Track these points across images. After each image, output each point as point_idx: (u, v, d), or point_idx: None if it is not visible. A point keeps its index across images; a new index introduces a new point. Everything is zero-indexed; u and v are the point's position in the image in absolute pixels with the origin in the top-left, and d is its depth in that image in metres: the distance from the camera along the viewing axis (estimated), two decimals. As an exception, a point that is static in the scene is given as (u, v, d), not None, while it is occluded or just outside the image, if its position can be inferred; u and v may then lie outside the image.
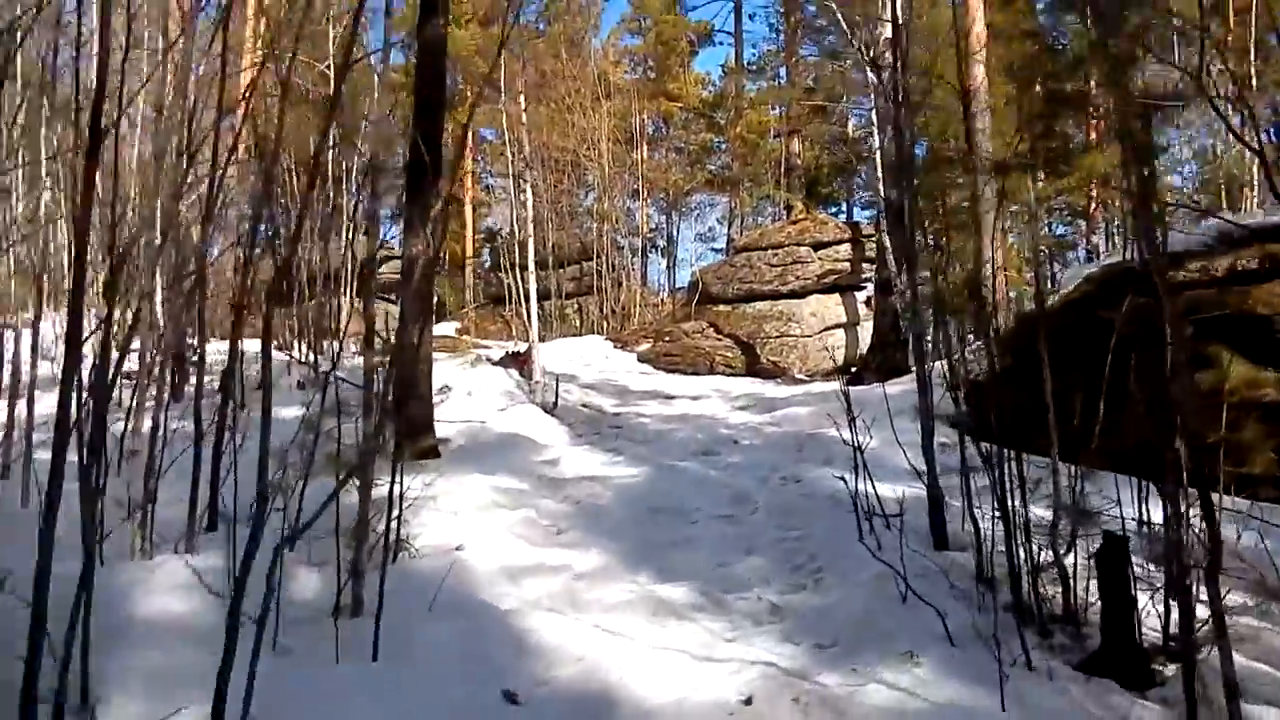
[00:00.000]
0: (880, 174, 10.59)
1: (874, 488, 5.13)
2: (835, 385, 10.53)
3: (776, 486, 6.14)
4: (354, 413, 4.80)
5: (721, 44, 30.77)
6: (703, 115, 31.17)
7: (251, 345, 9.38)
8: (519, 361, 9.93)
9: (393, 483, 4.73)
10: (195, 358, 6.65)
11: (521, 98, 9.13)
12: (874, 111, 10.55)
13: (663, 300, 19.79)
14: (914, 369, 10.42)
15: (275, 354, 4.63)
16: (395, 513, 4.62)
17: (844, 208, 30.33)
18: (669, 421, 9.01)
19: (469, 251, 29.26)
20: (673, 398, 10.71)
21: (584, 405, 9.76)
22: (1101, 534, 3.71)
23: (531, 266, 9.29)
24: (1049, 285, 10.69)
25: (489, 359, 10.57)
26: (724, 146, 30.22)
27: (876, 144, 10.51)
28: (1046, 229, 22.67)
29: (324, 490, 3.11)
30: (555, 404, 9.23)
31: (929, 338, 6.18)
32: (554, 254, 20.32)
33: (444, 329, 22.74)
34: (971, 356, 8.86)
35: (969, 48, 15.03)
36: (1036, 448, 5.12)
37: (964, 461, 4.63)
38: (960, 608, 3.73)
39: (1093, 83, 22.57)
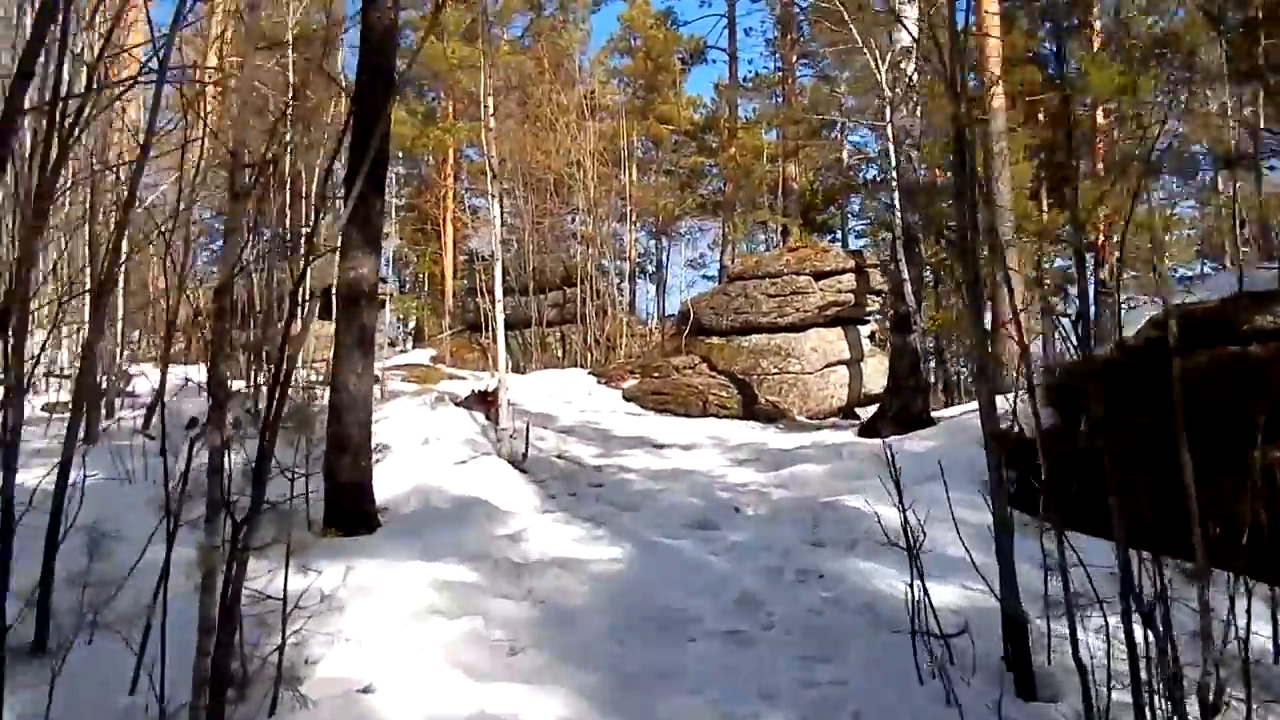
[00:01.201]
0: (895, 199, 9.38)
1: (929, 598, 3.87)
2: (848, 436, 9.32)
3: (793, 584, 4.86)
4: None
5: (715, 61, 29.77)
6: (693, 138, 30.17)
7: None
8: (486, 403, 8.66)
9: (285, 583, 3.50)
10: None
11: (490, 101, 7.86)
12: (889, 127, 9.34)
13: (650, 330, 18.56)
14: (939, 418, 9.27)
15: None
16: (282, 635, 3.39)
17: (839, 236, 29.28)
18: (658, 478, 7.73)
19: (449, 274, 28.01)
20: (662, 447, 9.43)
21: (560, 456, 8.47)
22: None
23: (499, 292, 8.02)
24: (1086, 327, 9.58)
25: (453, 399, 9.30)
26: (715, 170, 29.19)
27: (892, 163, 9.29)
28: (1049, 262, 21.63)
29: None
30: (525, 455, 7.94)
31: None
32: (535, 279, 19.08)
33: (419, 356, 21.44)
34: (1002, 406, 7.58)
35: (987, 63, 14.02)
36: (1095, 527, 3.96)
37: (1064, 567, 3.37)
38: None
39: (1099, 111, 21.74)
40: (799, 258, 15.40)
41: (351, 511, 5.80)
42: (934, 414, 9.40)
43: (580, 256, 19.24)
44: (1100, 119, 21.53)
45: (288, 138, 12.93)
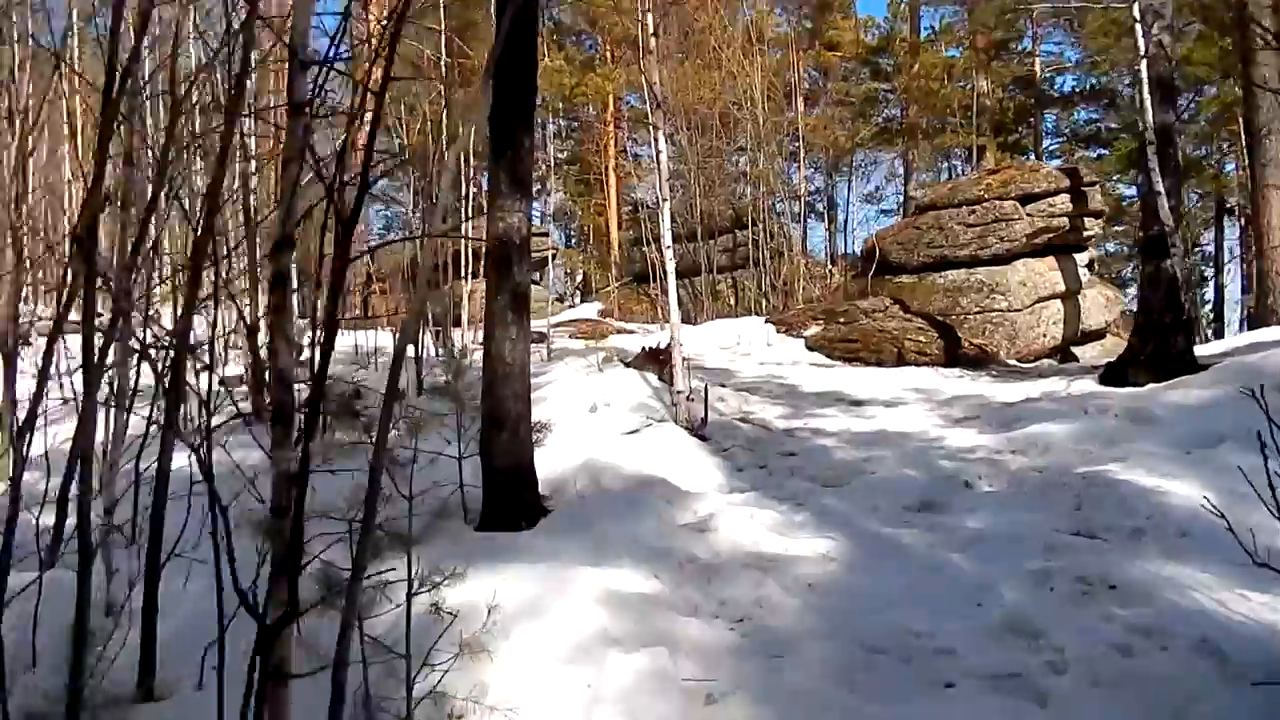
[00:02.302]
0: (1144, 94, 7.63)
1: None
2: (1087, 384, 7.80)
3: (1075, 597, 3.63)
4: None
5: (893, -30, 27.18)
6: (866, 63, 27.99)
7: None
8: (658, 361, 7.73)
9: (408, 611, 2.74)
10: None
11: (650, 19, 6.79)
12: (1134, 7, 7.57)
13: (830, 272, 17.11)
14: (1206, 360, 7.52)
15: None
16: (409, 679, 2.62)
17: (1032, 156, 26.35)
18: (862, 444, 6.56)
19: (614, 225, 27.38)
20: (860, 403, 8.21)
21: (744, 420, 7.45)
22: None
23: (668, 238, 7.01)
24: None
25: (622, 358, 8.45)
26: (892, 96, 26.96)
27: (1140, 49, 7.54)
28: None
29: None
30: (705, 420, 6.97)
31: None
32: (703, 223, 17.97)
33: (586, 310, 20.93)
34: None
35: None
36: None
37: None
38: None
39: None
40: (1002, 180, 13.54)
41: (511, 500, 5.01)
42: (1197, 354, 7.68)
43: (750, 197, 17.94)
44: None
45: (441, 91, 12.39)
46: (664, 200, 7.18)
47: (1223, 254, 21.30)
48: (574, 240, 34.30)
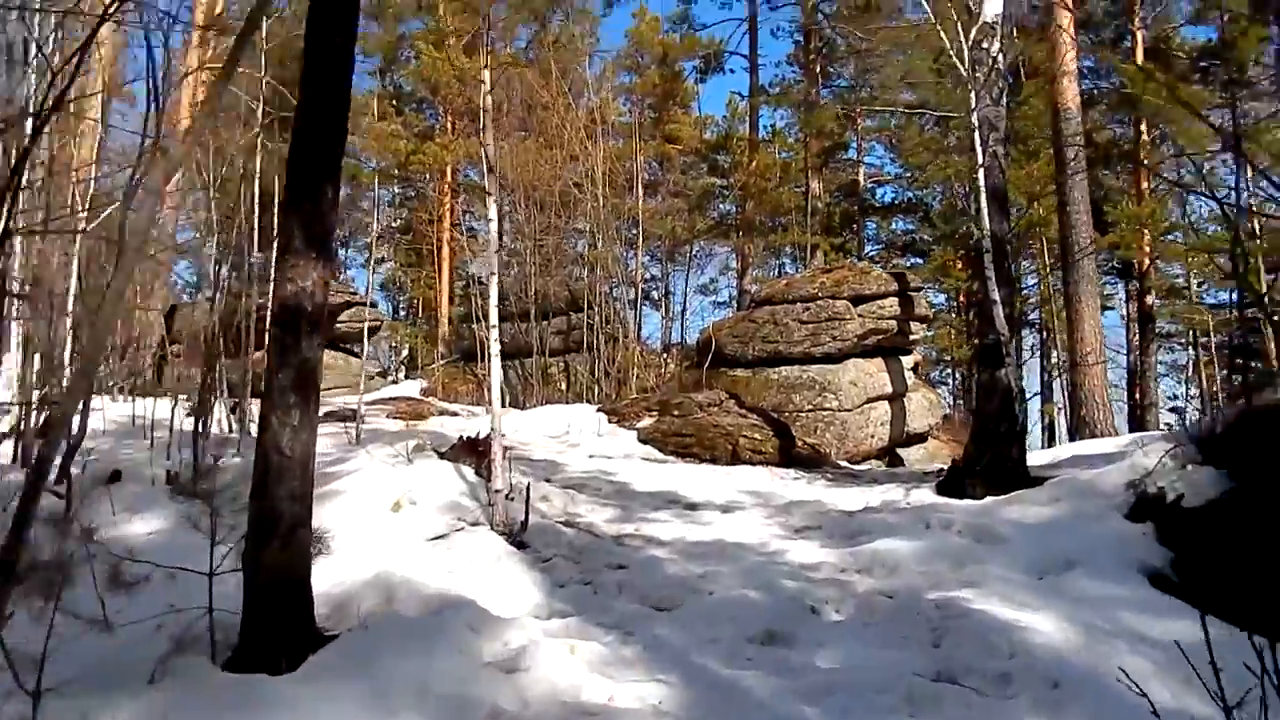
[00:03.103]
0: (982, 204, 7.65)
1: None
2: (926, 495, 7.53)
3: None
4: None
5: (733, 71, 28.16)
6: (704, 158, 28.69)
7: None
8: (477, 452, 6.87)
9: None
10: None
11: (488, 75, 6.16)
12: (973, 116, 7.65)
13: (663, 361, 16.80)
14: (1040, 474, 7.41)
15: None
16: None
17: (856, 260, 27.57)
18: (698, 557, 5.90)
19: (444, 299, 26.31)
20: (695, 507, 7.60)
21: (569, 523, 6.65)
22: None
23: (494, 315, 6.23)
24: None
25: (436, 449, 7.51)
26: (728, 192, 27.66)
27: (979, 160, 7.58)
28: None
29: None
30: (525, 524, 6.13)
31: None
32: (537, 303, 17.31)
33: (408, 388, 19.67)
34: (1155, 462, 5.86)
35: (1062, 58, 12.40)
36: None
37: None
38: None
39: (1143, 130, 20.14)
40: (835, 279, 13.67)
41: (276, 630, 3.99)
42: (1030, 465, 7.59)
43: (586, 280, 17.48)
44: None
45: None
46: (490, 274, 6.44)
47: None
48: (403, 313, 32.87)
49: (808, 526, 6.74)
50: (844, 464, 11.61)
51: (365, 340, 13.59)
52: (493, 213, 6.49)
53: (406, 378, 23.78)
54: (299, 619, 4.18)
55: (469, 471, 7.01)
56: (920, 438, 14.22)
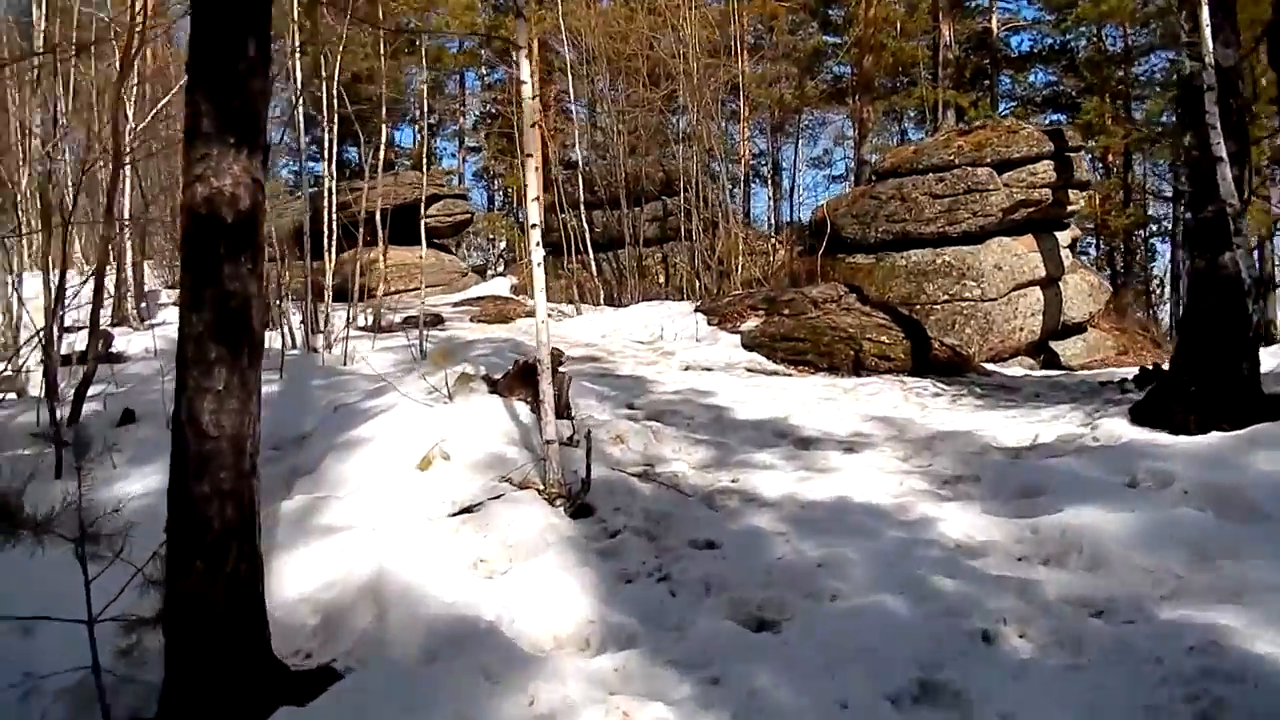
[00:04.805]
0: (1202, 28, 5.48)
1: None
2: (1116, 423, 5.70)
3: None
4: None
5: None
6: (814, 13, 25.75)
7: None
8: (534, 383, 5.46)
9: None
10: None
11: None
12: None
13: (773, 247, 14.93)
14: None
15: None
16: None
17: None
18: (815, 531, 4.32)
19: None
20: (810, 443, 6.00)
21: (646, 473, 5.20)
22: None
23: (535, 213, 4.69)
24: None
25: (489, 375, 6.11)
26: (842, 50, 24.79)
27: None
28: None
29: None
30: (587, 482, 4.70)
31: None
32: (629, 187, 15.58)
33: (497, 286, 18.51)
34: None
35: None
36: None
37: None
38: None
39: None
40: (975, 142, 11.44)
41: (204, 689, 2.75)
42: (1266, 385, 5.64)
43: (684, 158, 15.58)
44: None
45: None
46: (528, 156, 4.86)
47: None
48: (499, 203, 31.61)
49: (960, 477, 5.06)
50: (991, 367, 9.75)
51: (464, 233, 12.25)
52: (524, 73, 4.84)
53: (505, 271, 22.67)
54: (240, 674, 2.90)
55: (523, 409, 5.62)
56: (1078, 328, 12.10)
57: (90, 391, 6.47)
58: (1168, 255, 24.58)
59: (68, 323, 7.67)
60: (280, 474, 5.13)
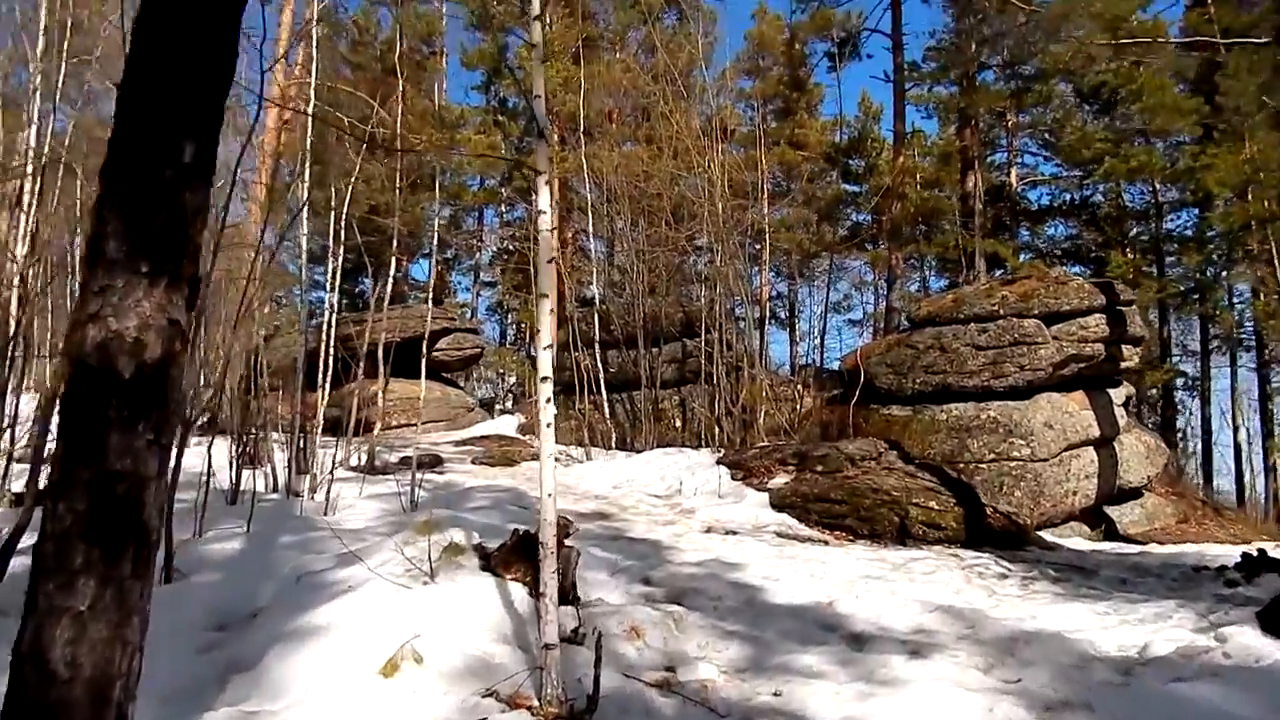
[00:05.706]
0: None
1: None
2: (1247, 631, 4.65)
3: None
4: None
5: (872, 55, 25.31)
6: (834, 163, 25.97)
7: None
8: (528, 563, 4.50)
9: None
10: None
11: (535, 25, 3.77)
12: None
13: (797, 393, 14.11)
14: None
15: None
16: None
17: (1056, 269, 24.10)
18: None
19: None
20: (864, 641, 4.95)
21: (666, 683, 4.17)
22: None
23: (547, 364, 3.90)
24: None
25: (481, 552, 5.13)
26: (861, 198, 24.83)
27: None
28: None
29: None
30: (593, 706, 3.67)
31: None
32: (646, 327, 14.94)
33: (504, 424, 17.68)
34: None
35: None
36: None
37: None
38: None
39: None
40: (1021, 292, 10.76)
41: None
42: None
43: (704, 300, 15.01)
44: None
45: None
46: (543, 296, 4.07)
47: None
48: (511, 338, 31.16)
49: (1067, 702, 3.99)
50: (1050, 538, 8.69)
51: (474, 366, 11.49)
52: (544, 201, 4.12)
53: (513, 408, 21.87)
54: None
55: (519, 593, 4.63)
56: (1134, 493, 11.06)
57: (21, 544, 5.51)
58: (1197, 411, 23.82)
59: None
60: (215, 668, 4.11)
